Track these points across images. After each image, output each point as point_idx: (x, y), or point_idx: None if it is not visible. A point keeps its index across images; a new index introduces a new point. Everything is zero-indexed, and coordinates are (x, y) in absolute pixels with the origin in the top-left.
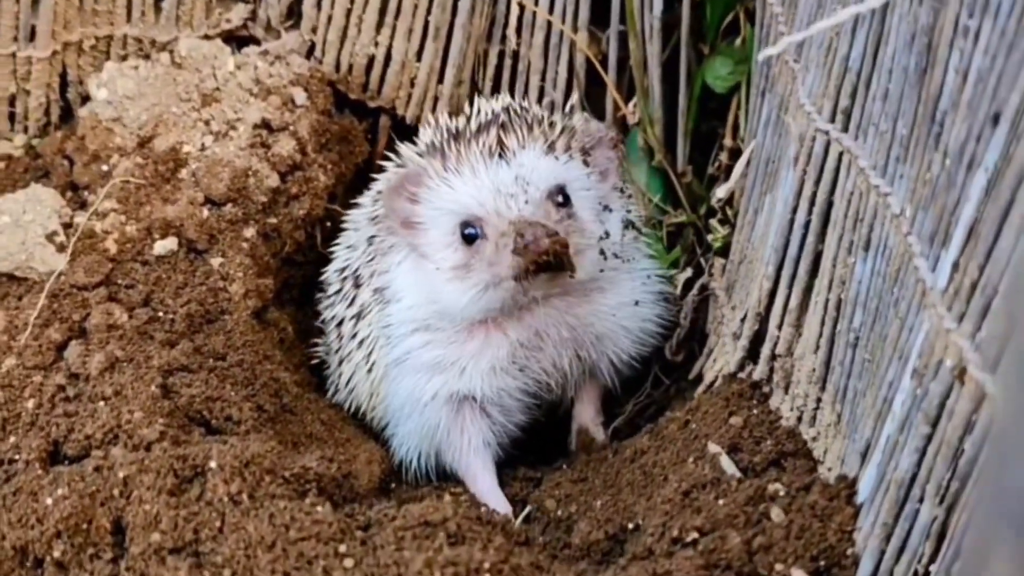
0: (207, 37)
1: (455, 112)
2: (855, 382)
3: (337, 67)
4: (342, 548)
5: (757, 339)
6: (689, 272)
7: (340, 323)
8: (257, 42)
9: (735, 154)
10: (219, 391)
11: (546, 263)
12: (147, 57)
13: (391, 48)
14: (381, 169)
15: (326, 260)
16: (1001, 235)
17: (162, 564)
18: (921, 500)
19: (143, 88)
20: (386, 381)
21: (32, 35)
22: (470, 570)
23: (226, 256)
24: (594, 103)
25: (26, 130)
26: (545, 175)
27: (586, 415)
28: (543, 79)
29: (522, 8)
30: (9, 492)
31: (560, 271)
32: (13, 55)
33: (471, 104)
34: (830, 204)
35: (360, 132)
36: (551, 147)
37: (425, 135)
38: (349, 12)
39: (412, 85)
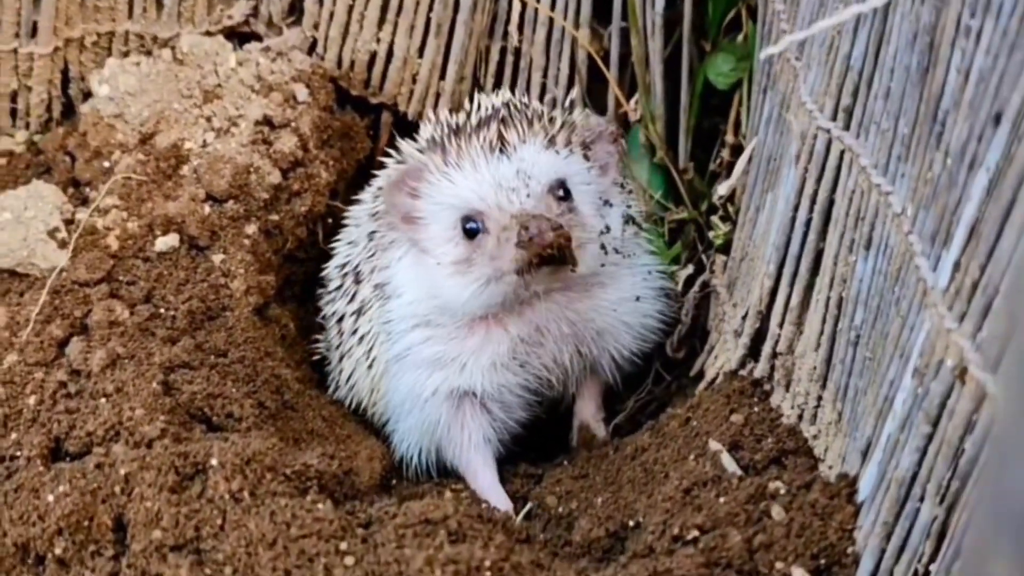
0: (209, 33)
1: (457, 108)
2: (856, 380)
3: (339, 63)
4: (343, 546)
5: (758, 336)
6: (690, 269)
7: (341, 319)
8: (259, 38)
9: (737, 151)
10: (220, 388)
11: (549, 256)
12: (149, 53)
13: (393, 44)
14: (383, 165)
15: (327, 256)
16: (1002, 235)
17: (163, 561)
18: (922, 499)
19: (145, 84)
20: (387, 377)
21: (34, 31)
22: (471, 568)
23: (227, 253)
24: (596, 99)
25: (28, 126)
26: (546, 169)
27: (587, 411)
28: (545, 76)
29: (524, 4)
30: (10, 489)
31: (562, 264)
32: (15, 51)
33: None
34: (831, 202)
35: (362, 128)
36: (551, 141)
37: (425, 131)
38: (351, 8)
39: (414, 81)
